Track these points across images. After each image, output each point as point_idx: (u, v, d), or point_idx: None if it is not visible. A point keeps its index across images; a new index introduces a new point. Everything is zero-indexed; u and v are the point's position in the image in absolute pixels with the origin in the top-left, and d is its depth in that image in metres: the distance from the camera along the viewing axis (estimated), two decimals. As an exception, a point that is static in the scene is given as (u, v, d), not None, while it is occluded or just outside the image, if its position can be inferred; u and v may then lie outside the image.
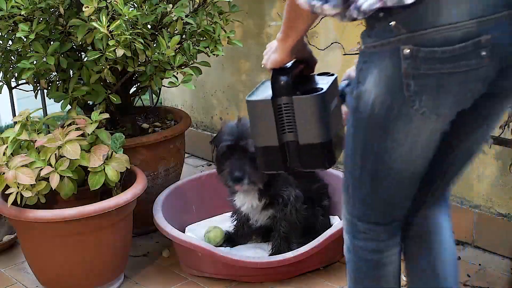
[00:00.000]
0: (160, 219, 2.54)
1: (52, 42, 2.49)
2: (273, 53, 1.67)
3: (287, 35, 1.60)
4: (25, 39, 2.40)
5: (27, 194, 2.21)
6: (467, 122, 1.56)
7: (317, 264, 2.52)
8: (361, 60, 1.47)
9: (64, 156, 2.27)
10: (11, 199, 2.21)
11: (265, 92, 1.65)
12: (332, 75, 1.70)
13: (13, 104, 3.23)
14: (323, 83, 1.64)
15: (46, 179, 2.26)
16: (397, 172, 1.54)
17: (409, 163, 1.53)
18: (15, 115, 3.20)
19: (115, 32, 2.28)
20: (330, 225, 2.62)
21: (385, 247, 1.66)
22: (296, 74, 1.64)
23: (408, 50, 1.37)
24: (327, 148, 1.61)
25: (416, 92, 1.40)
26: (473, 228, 2.62)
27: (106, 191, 2.45)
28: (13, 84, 2.74)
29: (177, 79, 2.54)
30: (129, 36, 2.31)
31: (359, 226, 1.65)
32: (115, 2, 2.28)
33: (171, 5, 2.53)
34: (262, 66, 1.75)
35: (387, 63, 1.41)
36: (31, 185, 2.23)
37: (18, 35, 2.36)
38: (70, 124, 2.41)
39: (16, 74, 2.62)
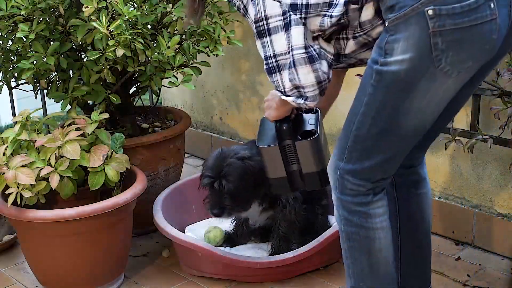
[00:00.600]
0: (160, 219, 2.54)
1: (52, 42, 2.49)
2: (274, 110, 1.95)
3: (284, 104, 1.86)
4: (25, 39, 2.40)
5: (27, 194, 2.21)
6: (473, 82, 1.77)
7: (317, 264, 2.52)
8: (385, 35, 1.62)
9: (64, 156, 2.27)
10: (11, 199, 2.21)
11: (270, 136, 2.05)
12: (316, 111, 2.05)
13: (13, 104, 3.23)
14: (312, 122, 2.02)
15: (46, 179, 2.26)
16: (405, 129, 1.71)
17: (419, 121, 1.70)
18: (15, 115, 3.20)
19: (115, 32, 2.28)
20: (329, 225, 2.62)
21: (371, 200, 1.81)
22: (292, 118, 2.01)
23: (432, 11, 1.54)
24: (323, 173, 1.98)
25: (443, 50, 1.57)
26: (473, 228, 2.62)
27: (106, 191, 2.45)
28: (13, 84, 2.74)
29: (177, 79, 2.54)
30: (129, 36, 2.31)
31: (349, 181, 1.79)
32: (115, 2, 2.28)
33: (171, 5, 2.53)
34: (264, 117, 2.07)
35: (414, 29, 1.57)
36: (31, 185, 2.23)
37: (18, 35, 2.36)
38: (70, 124, 2.41)
39: (16, 74, 2.63)
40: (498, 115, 2.22)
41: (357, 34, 1.75)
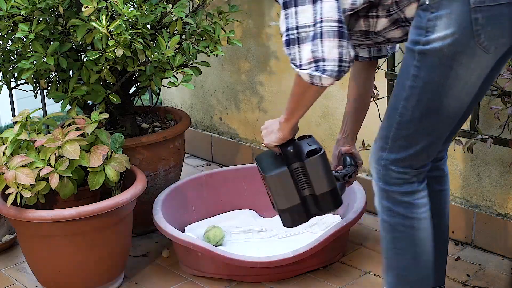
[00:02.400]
0: (159, 219, 2.54)
1: (51, 42, 2.49)
2: (274, 133, 1.98)
3: (291, 116, 1.91)
4: (24, 39, 2.40)
5: (26, 194, 2.21)
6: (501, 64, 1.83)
7: (317, 264, 2.52)
8: (426, 13, 1.68)
9: (64, 156, 2.27)
10: (10, 199, 2.21)
11: (274, 164, 2.03)
12: (310, 136, 2.06)
13: (13, 104, 3.23)
14: (311, 143, 2.01)
15: (46, 179, 2.26)
16: (447, 109, 1.77)
17: (458, 100, 1.76)
18: (14, 115, 3.21)
19: (115, 32, 2.28)
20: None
21: (416, 190, 1.86)
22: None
23: None
24: (336, 191, 2.03)
25: (483, 25, 1.65)
26: (473, 228, 2.62)
27: (105, 191, 2.45)
28: (12, 84, 2.74)
29: (177, 79, 2.54)
30: (128, 36, 2.31)
31: (393, 170, 1.83)
32: (114, 2, 2.28)
33: (170, 5, 2.53)
34: (263, 145, 2.06)
35: (456, 5, 1.65)
36: (30, 185, 2.22)
37: (17, 35, 2.36)
38: (69, 124, 2.41)
39: (15, 74, 2.62)
40: (497, 115, 2.22)
41: (392, 12, 1.79)
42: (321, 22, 1.69)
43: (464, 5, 1.65)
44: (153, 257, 2.72)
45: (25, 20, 2.41)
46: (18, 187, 2.21)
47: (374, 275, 2.49)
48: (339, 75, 1.71)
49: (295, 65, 1.75)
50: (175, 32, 2.58)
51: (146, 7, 2.44)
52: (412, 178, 1.85)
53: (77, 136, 2.31)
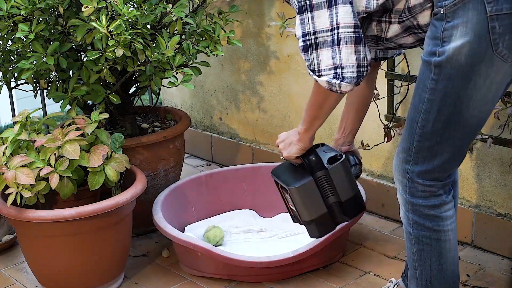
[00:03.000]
0: (159, 219, 2.54)
1: (51, 42, 2.49)
2: (294, 145, 1.98)
3: (311, 125, 1.90)
4: (24, 39, 2.40)
5: (26, 194, 2.20)
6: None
7: (317, 264, 2.52)
8: (441, 23, 1.66)
9: (64, 156, 2.27)
10: (10, 199, 2.21)
11: (296, 176, 2.03)
12: (323, 144, 2.06)
13: (13, 104, 3.23)
14: (328, 151, 2.02)
15: (46, 179, 2.26)
16: (469, 120, 1.73)
17: (480, 110, 1.73)
18: (14, 115, 3.21)
19: (115, 32, 2.28)
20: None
21: (443, 202, 1.83)
22: None
23: None
24: (360, 195, 2.05)
25: (500, 34, 1.62)
26: (473, 228, 2.62)
27: (105, 191, 2.45)
28: (12, 84, 2.74)
29: (177, 79, 2.54)
30: (128, 36, 2.31)
31: (418, 183, 1.80)
32: (114, 2, 2.28)
33: (170, 5, 2.53)
34: (282, 158, 2.06)
35: (472, 13, 1.62)
36: (30, 185, 2.22)
37: (17, 35, 2.35)
38: (69, 124, 2.41)
39: (15, 74, 2.62)
40: (497, 115, 2.22)
41: (404, 18, 1.76)
42: (337, 28, 1.69)
43: (480, 13, 1.61)
44: (153, 257, 2.72)
45: (25, 20, 2.40)
46: (18, 187, 2.21)
47: (374, 275, 2.49)
48: (357, 81, 1.72)
49: (313, 71, 1.74)
50: (175, 32, 2.58)
51: (146, 7, 2.44)
52: (439, 191, 1.82)
53: (77, 136, 2.31)
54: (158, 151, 2.77)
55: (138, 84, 2.82)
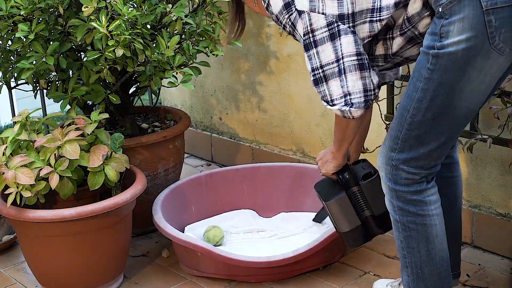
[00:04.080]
0: (159, 219, 2.53)
1: (51, 42, 2.49)
2: (330, 162, 2.13)
3: (340, 146, 2.04)
4: (24, 39, 2.40)
5: (26, 194, 2.20)
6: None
7: (317, 264, 2.52)
8: (440, 20, 1.71)
9: (64, 156, 2.27)
10: (10, 199, 2.21)
11: (333, 191, 2.18)
12: (364, 160, 2.21)
13: (13, 104, 3.23)
14: (365, 167, 2.17)
15: (46, 179, 2.26)
16: (459, 111, 1.79)
17: (471, 101, 1.78)
18: (14, 115, 3.21)
19: (115, 32, 2.28)
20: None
21: (425, 188, 1.88)
22: None
23: None
24: None
25: (497, 27, 1.67)
26: (473, 228, 2.62)
27: (105, 191, 2.45)
28: (12, 84, 2.73)
29: (177, 79, 2.54)
30: (128, 36, 2.31)
31: (403, 170, 1.86)
32: (114, 2, 2.28)
33: (170, 5, 2.53)
34: (321, 174, 2.22)
35: (468, 9, 1.67)
36: (30, 185, 2.22)
37: (17, 35, 2.35)
38: (69, 124, 2.41)
39: (15, 74, 2.62)
40: (497, 115, 2.22)
41: (405, 29, 1.83)
42: (342, 58, 1.80)
43: (476, 8, 1.66)
44: (153, 257, 2.72)
45: (25, 20, 2.40)
46: (18, 187, 2.21)
47: (374, 275, 2.49)
48: (366, 104, 1.84)
49: (327, 102, 1.86)
50: (175, 32, 2.58)
51: (146, 7, 2.44)
52: (421, 179, 1.87)
53: (77, 136, 2.31)
54: (158, 151, 2.77)
55: (138, 84, 2.82)
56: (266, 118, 3.32)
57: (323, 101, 1.88)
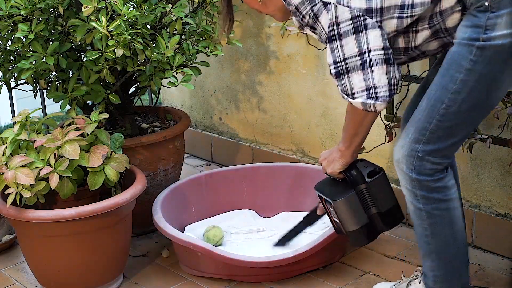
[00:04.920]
0: (159, 219, 2.53)
1: (51, 42, 2.49)
2: (337, 161, 2.10)
3: (351, 142, 2.02)
4: (24, 39, 2.40)
5: (26, 194, 2.20)
6: None
7: (317, 264, 2.52)
8: (485, 13, 1.74)
9: (64, 156, 2.27)
10: (10, 199, 2.21)
11: (339, 190, 2.16)
12: (362, 160, 2.16)
13: (13, 104, 3.23)
14: (367, 165, 2.14)
15: (46, 179, 2.26)
16: (492, 101, 1.84)
17: (503, 93, 1.86)
18: (14, 115, 3.21)
19: (115, 32, 2.28)
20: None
21: (446, 174, 1.93)
22: None
23: None
24: (398, 206, 2.17)
25: None
26: (473, 228, 2.62)
27: (105, 191, 2.45)
28: (12, 84, 2.73)
29: (177, 79, 2.54)
30: (128, 36, 2.31)
31: (428, 161, 1.88)
32: (114, 2, 2.28)
33: (170, 5, 2.53)
34: (326, 174, 2.20)
35: None
36: (30, 185, 2.22)
37: (17, 35, 2.35)
38: (69, 124, 2.41)
39: (15, 74, 2.62)
40: (497, 114, 2.22)
41: (435, 23, 1.84)
42: (368, 52, 1.81)
43: None
44: (153, 257, 2.72)
45: (24, 20, 2.40)
46: (17, 187, 2.21)
47: (374, 275, 2.49)
48: (390, 99, 1.86)
49: (347, 94, 1.87)
50: (175, 32, 2.58)
51: (146, 7, 2.44)
52: (444, 168, 1.91)
53: (76, 136, 2.31)
54: (158, 151, 2.77)
55: (138, 84, 2.82)
56: (266, 118, 3.32)
57: (342, 94, 1.89)
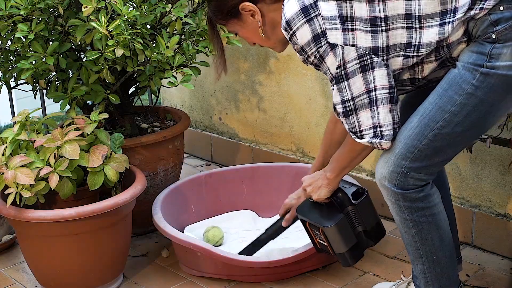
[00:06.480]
0: (159, 219, 2.54)
1: (51, 42, 2.49)
2: (323, 188, 2.12)
3: (341, 173, 2.05)
4: (24, 39, 2.40)
5: (26, 194, 2.20)
6: None
7: (316, 264, 2.52)
8: (491, 44, 1.75)
9: (63, 156, 2.27)
10: (10, 199, 2.21)
11: (327, 214, 2.18)
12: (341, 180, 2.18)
13: (12, 104, 3.23)
14: (349, 186, 2.18)
15: (45, 179, 2.26)
16: (487, 126, 1.86)
17: (500, 118, 1.90)
18: (14, 115, 3.21)
19: (114, 32, 2.28)
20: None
21: (429, 189, 1.92)
22: None
23: None
24: (381, 223, 2.24)
25: None
26: (472, 228, 2.62)
27: (105, 191, 2.45)
28: (12, 84, 2.73)
29: (176, 79, 2.54)
30: (128, 36, 2.31)
31: (412, 178, 1.87)
32: (114, 2, 2.28)
33: (170, 5, 2.53)
34: (311, 200, 2.20)
35: None
36: (30, 185, 2.22)
37: (17, 35, 2.36)
38: (69, 124, 2.41)
39: (15, 74, 2.62)
40: (497, 115, 2.22)
41: (442, 55, 1.85)
42: (374, 90, 1.82)
43: None
44: (152, 257, 2.72)
45: (24, 20, 2.40)
46: (17, 187, 2.21)
47: (374, 275, 2.49)
48: (394, 137, 1.87)
49: (355, 133, 1.88)
50: (175, 32, 2.58)
51: (146, 7, 2.44)
52: (427, 182, 1.91)
53: (76, 136, 2.31)
54: (158, 151, 2.77)
55: (138, 84, 2.82)
56: (265, 118, 3.32)
57: (350, 133, 1.89)
